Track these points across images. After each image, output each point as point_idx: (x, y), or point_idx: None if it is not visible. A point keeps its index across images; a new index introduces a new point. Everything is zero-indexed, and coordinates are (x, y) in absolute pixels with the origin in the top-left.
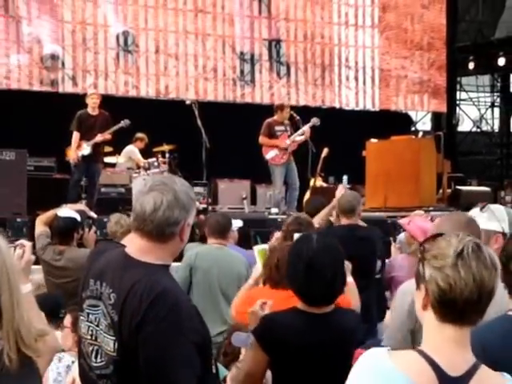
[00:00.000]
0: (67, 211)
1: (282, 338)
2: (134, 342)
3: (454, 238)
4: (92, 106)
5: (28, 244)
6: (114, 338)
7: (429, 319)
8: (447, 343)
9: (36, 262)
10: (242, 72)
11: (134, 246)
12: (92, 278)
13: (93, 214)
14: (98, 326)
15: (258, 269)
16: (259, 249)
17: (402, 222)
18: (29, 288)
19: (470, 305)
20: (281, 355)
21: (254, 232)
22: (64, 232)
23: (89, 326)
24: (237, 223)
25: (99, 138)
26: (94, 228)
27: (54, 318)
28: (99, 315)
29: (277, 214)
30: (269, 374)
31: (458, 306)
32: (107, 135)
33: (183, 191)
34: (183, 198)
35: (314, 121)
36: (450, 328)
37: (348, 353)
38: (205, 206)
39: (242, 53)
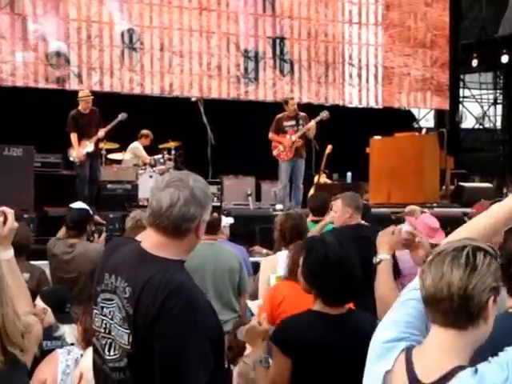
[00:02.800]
0: (80, 204)
1: (301, 338)
2: (148, 336)
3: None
4: (84, 107)
5: (10, 211)
6: (128, 331)
7: None
8: (430, 346)
9: (43, 257)
10: (246, 69)
11: (150, 241)
12: (107, 272)
13: (102, 221)
14: (112, 319)
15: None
16: (276, 276)
17: (408, 217)
18: (11, 254)
19: (441, 303)
20: (300, 356)
21: (259, 228)
22: (77, 222)
23: (103, 320)
24: (228, 220)
25: (101, 133)
26: (104, 234)
27: (60, 312)
28: (114, 309)
29: (281, 210)
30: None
31: (430, 304)
32: (106, 130)
33: (200, 188)
34: (200, 194)
35: (323, 115)
36: (437, 330)
37: (363, 353)
38: (218, 204)
39: (246, 50)
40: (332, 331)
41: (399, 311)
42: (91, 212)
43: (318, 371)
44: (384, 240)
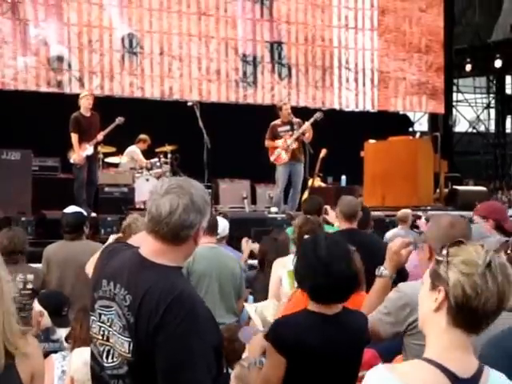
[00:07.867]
0: (73, 207)
1: (296, 338)
2: (150, 344)
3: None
4: (87, 107)
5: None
6: (129, 339)
7: (437, 322)
8: (455, 348)
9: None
10: (244, 74)
11: (149, 247)
12: (105, 279)
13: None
14: (110, 326)
15: (285, 288)
16: (288, 271)
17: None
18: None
19: (488, 315)
20: (295, 356)
21: (255, 231)
22: (74, 226)
23: (100, 327)
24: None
25: (100, 137)
26: None
27: (57, 316)
28: (112, 316)
29: (276, 213)
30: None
31: (477, 314)
32: (105, 133)
33: (199, 195)
34: (199, 201)
35: (317, 115)
36: (460, 333)
37: (358, 352)
38: None
39: (244, 55)
40: (327, 331)
41: None
42: (85, 214)
43: (312, 370)
44: (391, 257)
